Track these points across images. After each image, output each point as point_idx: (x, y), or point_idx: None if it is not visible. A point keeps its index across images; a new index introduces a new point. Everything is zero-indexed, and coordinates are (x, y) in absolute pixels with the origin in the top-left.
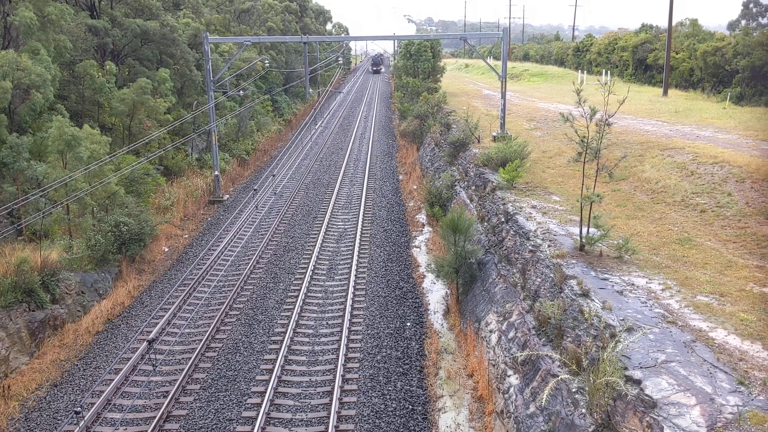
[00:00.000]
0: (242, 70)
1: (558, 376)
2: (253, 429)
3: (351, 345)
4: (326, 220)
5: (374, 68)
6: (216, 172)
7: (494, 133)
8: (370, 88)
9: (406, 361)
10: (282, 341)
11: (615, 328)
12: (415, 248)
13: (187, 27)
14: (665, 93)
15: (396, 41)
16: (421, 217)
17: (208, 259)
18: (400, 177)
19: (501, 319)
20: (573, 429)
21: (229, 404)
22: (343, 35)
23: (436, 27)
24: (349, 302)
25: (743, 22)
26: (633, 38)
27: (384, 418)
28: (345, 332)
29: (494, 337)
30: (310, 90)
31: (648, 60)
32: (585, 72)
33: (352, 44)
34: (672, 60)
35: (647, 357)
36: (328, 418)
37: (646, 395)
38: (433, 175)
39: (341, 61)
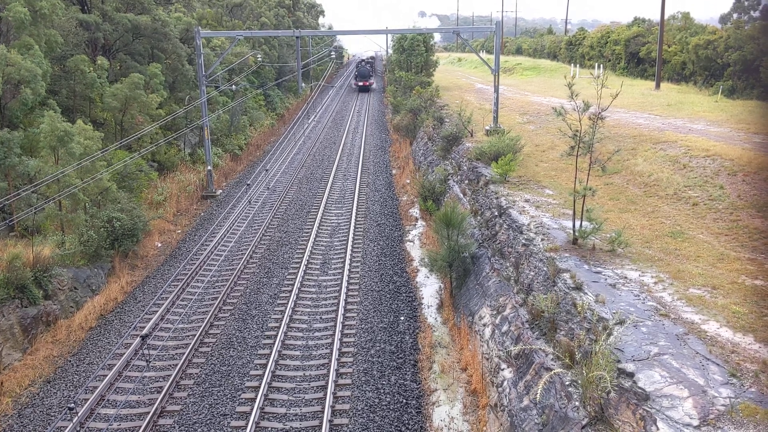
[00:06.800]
0: (234, 65)
1: (551, 370)
2: (247, 424)
3: (345, 339)
4: (319, 214)
5: (360, 82)
6: (209, 167)
7: (487, 127)
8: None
9: (400, 355)
10: (276, 336)
11: (608, 321)
12: (408, 242)
13: (179, 21)
14: (657, 86)
15: (388, 36)
16: (415, 212)
17: (201, 254)
18: (394, 171)
19: (494, 312)
20: (566, 422)
21: (223, 399)
22: (334, 29)
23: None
24: (342, 297)
25: (735, 15)
26: (625, 32)
27: (378, 412)
28: (339, 327)
29: (488, 331)
30: (303, 84)
31: (640, 53)
32: (578, 65)
33: (347, 45)
34: (664, 53)
35: (640, 350)
36: (322, 412)
37: (639, 388)
38: (426, 169)
39: (334, 56)
